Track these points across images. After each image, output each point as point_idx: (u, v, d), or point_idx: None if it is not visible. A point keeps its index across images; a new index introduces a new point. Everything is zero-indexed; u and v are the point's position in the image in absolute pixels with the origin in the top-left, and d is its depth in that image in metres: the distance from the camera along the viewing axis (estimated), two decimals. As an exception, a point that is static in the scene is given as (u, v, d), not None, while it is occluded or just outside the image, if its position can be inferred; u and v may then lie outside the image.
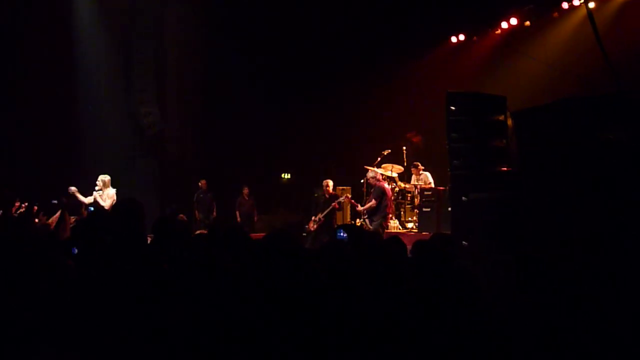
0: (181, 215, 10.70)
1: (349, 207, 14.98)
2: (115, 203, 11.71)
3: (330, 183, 14.04)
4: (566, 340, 3.69)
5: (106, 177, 12.71)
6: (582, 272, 5.85)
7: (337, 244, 5.31)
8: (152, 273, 4.00)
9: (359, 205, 13.39)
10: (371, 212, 12.77)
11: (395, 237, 5.47)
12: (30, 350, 2.95)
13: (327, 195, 14.01)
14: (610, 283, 5.62)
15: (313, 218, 13.97)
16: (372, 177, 12.96)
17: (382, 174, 14.28)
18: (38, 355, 2.76)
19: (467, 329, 3.40)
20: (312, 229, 13.77)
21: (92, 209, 12.62)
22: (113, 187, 12.75)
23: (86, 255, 4.60)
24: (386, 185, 12.99)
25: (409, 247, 4.89)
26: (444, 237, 6.12)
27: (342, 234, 6.02)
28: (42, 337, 3.06)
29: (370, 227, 12.47)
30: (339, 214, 15.09)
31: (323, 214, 13.71)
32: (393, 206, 13.21)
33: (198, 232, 6.51)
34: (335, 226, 12.75)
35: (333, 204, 13.65)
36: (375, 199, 12.68)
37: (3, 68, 15.51)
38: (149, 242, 5.00)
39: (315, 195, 14.58)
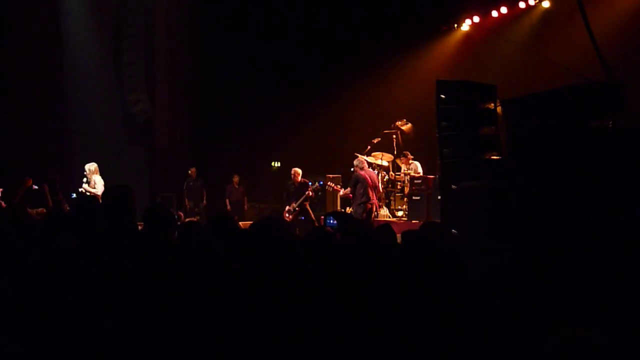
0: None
1: (338, 195, 15.00)
2: (105, 189, 11.72)
3: (299, 171, 14.17)
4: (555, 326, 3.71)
5: (92, 165, 12.68)
6: (574, 261, 5.87)
7: (324, 231, 5.33)
8: (144, 261, 4.00)
9: (341, 190, 13.52)
10: (352, 200, 12.86)
11: (386, 225, 5.48)
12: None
13: (296, 184, 14.10)
14: (603, 272, 5.65)
15: (287, 207, 14.04)
16: (356, 166, 12.95)
17: (373, 163, 14.30)
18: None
19: (457, 316, 3.41)
20: (287, 219, 13.84)
21: (74, 195, 12.60)
22: (102, 175, 12.72)
23: (81, 243, 4.58)
24: (365, 173, 12.84)
25: (399, 235, 4.90)
26: (434, 225, 6.13)
27: (331, 220, 6.04)
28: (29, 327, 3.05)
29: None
30: (329, 201, 15.15)
31: (297, 203, 13.79)
32: (375, 195, 13.04)
33: (188, 219, 6.54)
34: (326, 213, 12.80)
35: (307, 191, 13.73)
36: (350, 187, 12.76)
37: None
38: (139, 229, 4.99)
39: (288, 184, 14.65)
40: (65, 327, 3.17)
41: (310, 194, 14.00)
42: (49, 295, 3.37)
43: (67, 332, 3.07)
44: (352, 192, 12.68)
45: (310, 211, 14.31)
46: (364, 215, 12.51)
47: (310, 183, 14.33)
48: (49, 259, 3.52)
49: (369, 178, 12.70)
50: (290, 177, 14.47)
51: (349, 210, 13.55)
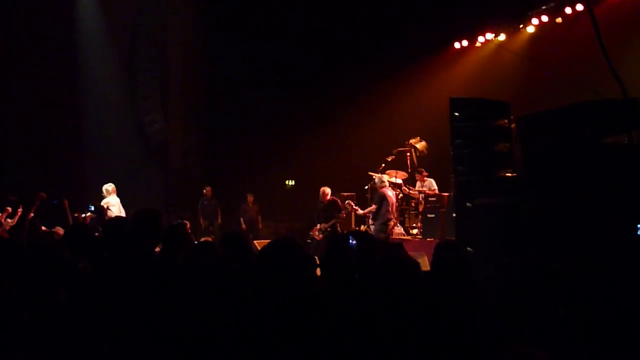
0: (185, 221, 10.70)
1: (354, 213, 15.02)
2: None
3: (328, 190, 14.16)
4: (570, 342, 3.69)
5: (110, 186, 12.72)
6: (588, 277, 5.84)
7: (344, 252, 5.30)
8: (163, 282, 4.01)
9: (359, 209, 13.50)
10: (373, 217, 12.84)
11: (398, 244, 5.46)
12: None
13: (325, 203, 14.10)
14: (617, 288, 5.61)
15: (318, 226, 14.02)
16: (378, 183, 13.05)
17: (388, 180, 14.29)
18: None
19: (474, 339, 3.38)
20: (317, 238, 13.88)
21: (92, 207, 12.64)
22: (118, 196, 12.75)
23: (104, 262, 4.61)
24: (389, 192, 12.98)
25: (413, 252, 4.88)
26: (450, 244, 6.09)
27: (352, 241, 5.97)
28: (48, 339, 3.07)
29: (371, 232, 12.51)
30: (343, 220, 15.13)
31: (329, 225, 13.78)
32: (396, 213, 13.21)
33: (203, 239, 6.53)
34: (345, 232, 12.77)
35: (340, 214, 13.74)
36: (375, 204, 12.77)
37: (8, 78, 15.56)
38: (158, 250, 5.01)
39: (318, 202, 14.64)
40: (75, 346, 3.20)
41: (343, 215, 14.07)
42: (64, 315, 3.39)
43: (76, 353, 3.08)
44: (377, 209, 12.69)
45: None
46: (386, 233, 12.55)
47: (349, 201, 14.32)
48: (65, 279, 3.54)
49: (392, 196, 12.78)
50: (319, 196, 14.45)
51: (363, 228, 13.54)
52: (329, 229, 13.80)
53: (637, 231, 6.27)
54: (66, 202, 11.42)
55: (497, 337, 3.44)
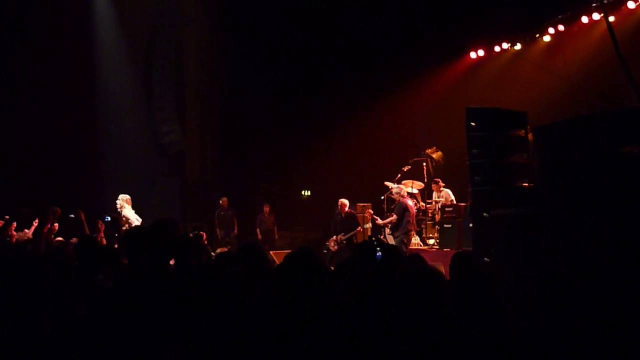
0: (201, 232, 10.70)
1: (370, 222, 15.03)
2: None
3: (346, 202, 14.21)
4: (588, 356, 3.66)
5: (125, 196, 12.73)
6: (606, 289, 5.80)
7: (369, 261, 5.33)
8: (177, 294, 4.02)
9: (379, 219, 13.49)
10: (393, 228, 12.84)
11: (416, 254, 5.45)
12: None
13: (343, 215, 14.13)
14: (635, 299, 5.57)
15: (334, 238, 14.05)
16: (397, 193, 13.07)
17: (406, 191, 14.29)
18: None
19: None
20: (332, 249, 13.93)
21: (108, 218, 12.66)
22: (135, 207, 12.77)
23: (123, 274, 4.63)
24: (410, 202, 13.01)
25: (430, 263, 4.86)
26: (465, 255, 6.08)
27: (379, 252, 6.00)
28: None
29: (393, 242, 12.51)
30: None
31: (345, 237, 13.81)
32: (415, 223, 13.26)
33: (219, 250, 6.55)
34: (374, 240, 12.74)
35: (357, 228, 13.79)
36: (396, 214, 12.75)
37: (25, 90, 15.69)
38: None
39: (335, 214, 14.68)
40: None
41: (360, 230, 14.12)
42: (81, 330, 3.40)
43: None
44: (399, 220, 12.69)
45: None
46: (407, 242, 12.60)
47: (369, 210, 14.42)
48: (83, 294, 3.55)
49: (413, 207, 12.83)
50: (337, 207, 14.50)
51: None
52: (344, 242, 13.84)
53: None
54: (82, 214, 11.46)
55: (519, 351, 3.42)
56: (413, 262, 5.29)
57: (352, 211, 14.38)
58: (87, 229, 11.28)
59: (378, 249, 5.96)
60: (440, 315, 3.37)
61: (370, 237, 11.32)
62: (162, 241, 4.69)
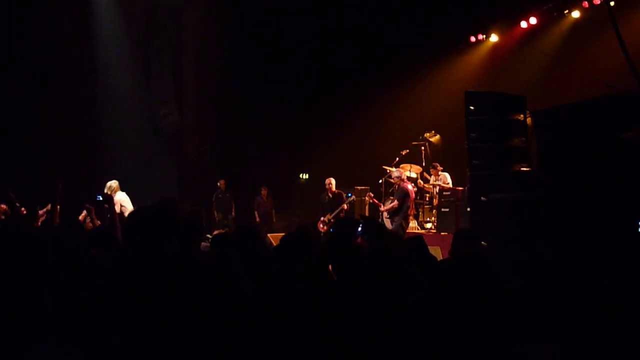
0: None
1: (367, 205, 15.02)
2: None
3: (333, 181, 14.16)
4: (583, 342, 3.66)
5: (114, 183, 12.59)
6: (603, 274, 5.80)
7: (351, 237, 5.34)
8: (173, 274, 4.01)
9: (382, 205, 13.44)
10: (392, 212, 12.79)
11: (418, 236, 5.45)
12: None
13: (330, 195, 14.09)
14: (631, 284, 5.57)
15: (322, 218, 14.03)
16: (397, 177, 12.96)
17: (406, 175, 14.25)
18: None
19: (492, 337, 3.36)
20: (322, 230, 13.88)
21: (99, 197, 12.53)
22: (131, 188, 12.67)
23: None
24: (410, 186, 12.93)
25: (429, 245, 4.86)
26: (470, 233, 6.07)
27: (360, 228, 6.04)
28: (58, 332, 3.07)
29: (390, 227, 12.48)
30: (357, 213, 15.10)
31: (332, 215, 13.78)
32: (414, 207, 13.23)
33: (216, 232, 6.52)
34: (360, 217, 12.73)
35: (342, 205, 13.72)
36: (397, 200, 12.70)
37: (22, 69, 15.61)
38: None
39: (322, 194, 14.61)
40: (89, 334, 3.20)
41: (346, 207, 14.00)
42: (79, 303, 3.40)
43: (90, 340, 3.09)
44: (400, 205, 12.64)
45: None
46: (405, 226, 12.58)
47: (349, 195, 14.35)
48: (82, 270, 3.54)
49: (413, 191, 12.78)
50: (325, 187, 14.43)
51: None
52: (332, 220, 13.77)
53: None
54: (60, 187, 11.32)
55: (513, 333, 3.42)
56: (409, 244, 5.28)
57: (340, 191, 14.32)
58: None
59: (361, 225, 5.99)
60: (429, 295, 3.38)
61: (361, 216, 11.29)
62: (166, 221, 4.66)
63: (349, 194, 14.78)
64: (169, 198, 5.14)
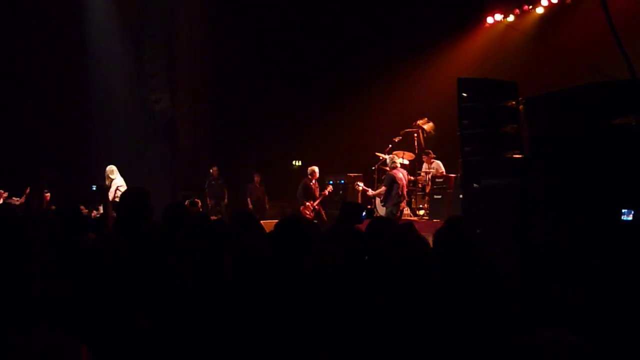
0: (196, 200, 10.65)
1: (360, 193, 15.07)
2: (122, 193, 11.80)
3: (316, 169, 14.33)
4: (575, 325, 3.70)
5: (113, 167, 12.60)
6: (593, 259, 5.84)
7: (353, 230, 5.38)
8: (161, 261, 4.03)
9: (370, 190, 13.48)
10: (383, 199, 12.76)
11: (409, 223, 5.47)
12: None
13: (315, 182, 14.32)
14: (622, 270, 5.61)
15: (307, 204, 14.19)
16: (388, 163, 12.89)
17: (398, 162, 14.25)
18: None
19: (486, 320, 3.38)
20: (309, 216, 14.03)
21: (94, 187, 12.61)
22: (124, 174, 12.68)
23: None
24: (400, 173, 12.80)
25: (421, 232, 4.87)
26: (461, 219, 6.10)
27: (364, 214, 6.18)
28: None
29: (381, 213, 12.47)
30: (350, 199, 15.18)
31: (316, 202, 14.01)
32: (406, 194, 13.15)
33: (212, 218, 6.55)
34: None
35: (322, 192, 14.00)
36: (385, 186, 12.66)
37: (14, 54, 15.55)
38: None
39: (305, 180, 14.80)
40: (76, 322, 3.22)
41: (326, 194, 14.23)
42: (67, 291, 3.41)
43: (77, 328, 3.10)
44: (388, 191, 12.54)
45: (323, 211, 14.57)
46: (398, 214, 12.48)
47: (330, 182, 14.55)
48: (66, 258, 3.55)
49: (403, 177, 12.65)
50: (308, 175, 14.62)
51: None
52: (317, 207, 14.09)
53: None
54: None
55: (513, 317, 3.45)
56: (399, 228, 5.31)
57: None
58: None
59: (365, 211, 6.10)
60: (425, 279, 3.40)
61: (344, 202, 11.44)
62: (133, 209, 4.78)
63: (342, 181, 14.93)
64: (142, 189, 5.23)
